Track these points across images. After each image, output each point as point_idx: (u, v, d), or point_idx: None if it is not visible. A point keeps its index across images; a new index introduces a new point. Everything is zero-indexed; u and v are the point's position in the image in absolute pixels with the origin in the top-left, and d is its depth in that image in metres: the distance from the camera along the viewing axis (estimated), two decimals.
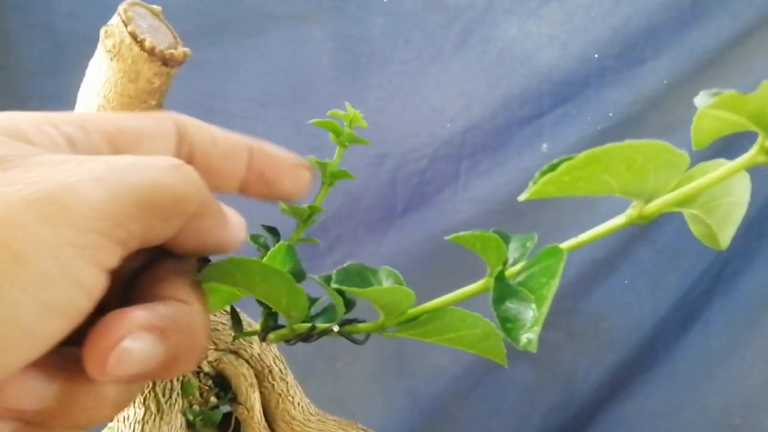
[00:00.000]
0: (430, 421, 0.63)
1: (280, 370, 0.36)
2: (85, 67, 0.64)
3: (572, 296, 0.61)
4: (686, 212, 0.25)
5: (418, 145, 0.64)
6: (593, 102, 0.63)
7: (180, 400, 0.34)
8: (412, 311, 0.28)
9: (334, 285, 0.28)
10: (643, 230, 0.62)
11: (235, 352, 0.36)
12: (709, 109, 0.21)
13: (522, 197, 0.22)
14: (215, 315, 0.36)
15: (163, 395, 0.33)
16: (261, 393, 0.36)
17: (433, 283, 0.70)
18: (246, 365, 0.36)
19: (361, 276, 0.28)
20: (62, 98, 0.63)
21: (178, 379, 0.34)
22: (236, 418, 0.36)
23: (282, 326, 0.31)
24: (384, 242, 0.67)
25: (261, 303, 0.32)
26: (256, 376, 0.36)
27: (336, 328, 0.29)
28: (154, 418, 0.33)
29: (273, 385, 0.36)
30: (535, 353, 0.67)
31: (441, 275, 0.66)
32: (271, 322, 0.31)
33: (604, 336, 0.60)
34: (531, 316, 0.23)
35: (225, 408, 0.36)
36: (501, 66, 0.64)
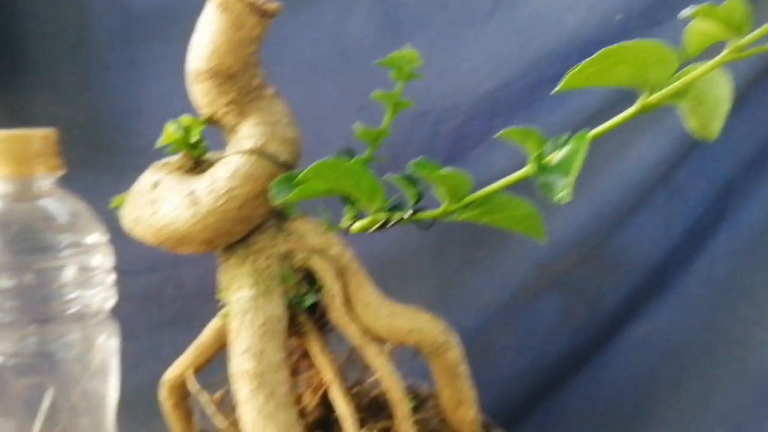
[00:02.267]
0: (473, 351, 0.72)
1: (356, 267, 0.46)
2: (155, 37, 0.74)
3: (598, 234, 0.70)
4: (682, 106, 0.33)
5: (456, 103, 0.73)
6: None
7: (279, 286, 0.43)
8: (469, 197, 0.37)
9: (408, 172, 0.37)
10: (659, 175, 0.71)
11: (320, 251, 0.45)
12: (693, 20, 0.30)
13: (555, 90, 0.31)
14: (303, 222, 0.46)
15: (269, 281, 0.43)
16: (341, 285, 0.45)
17: (470, 227, 0.78)
18: (329, 262, 0.45)
19: (430, 167, 0.37)
20: (137, 66, 0.73)
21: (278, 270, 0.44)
22: (322, 305, 0.46)
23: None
24: (426, 193, 0.77)
25: (345, 200, 0.41)
26: (337, 271, 0.45)
27: (408, 214, 0.39)
28: (262, 297, 0.42)
29: (350, 278, 0.45)
30: (565, 286, 0.77)
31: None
32: (354, 216, 0.41)
33: (624, 266, 0.69)
34: (563, 183, 0.32)
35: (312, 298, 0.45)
36: (530, 28, 0.72)
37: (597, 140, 0.70)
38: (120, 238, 0.71)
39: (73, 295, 0.44)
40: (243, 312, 0.42)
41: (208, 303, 0.61)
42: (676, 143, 0.70)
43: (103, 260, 0.48)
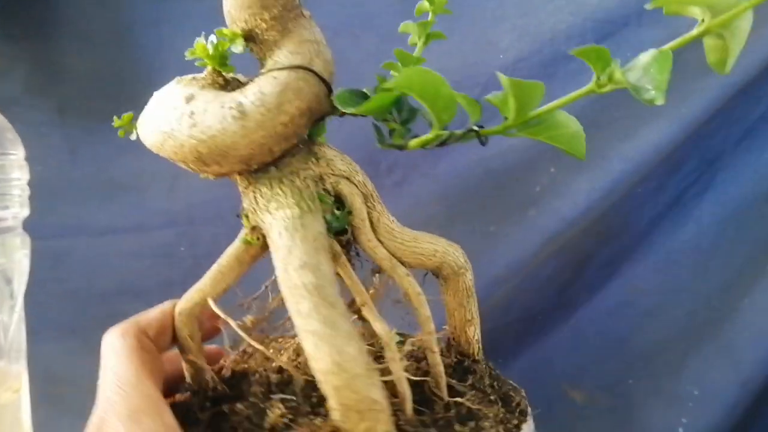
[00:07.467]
0: None
1: (377, 195, 0.44)
2: None
3: (603, 210, 0.71)
4: (711, 40, 0.33)
5: (474, 73, 0.72)
6: (631, 40, 0.72)
7: (320, 206, 0.41)
8: (533, 113, 0.36)
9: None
10: (661, 155, 0.71)
11: (347, 178, 0.43)
12: None
13: (648, 6, 0.31)
14: (330, 148, 0.44)
15: (311, 200, 0.41)
16: (367, 211, 0.44)
17: (481, 202, 0.77)
18: (356, 187, 0.43)
19: None
20: (163, 23, 0.71)
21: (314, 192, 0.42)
22: (348, 230, 0.44)
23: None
24: (438, 165, 0.75)
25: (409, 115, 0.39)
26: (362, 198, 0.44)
27: (469, 128, 0.37)
28: (308, 215, 0.40)
29: (374, 205, 0.44)
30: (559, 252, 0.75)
31: (489, 195, 0.74)
32: (408, 131, 0.39)
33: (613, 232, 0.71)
34: (652, 86, 0.31)
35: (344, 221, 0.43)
36: (549, 4, 0.72)
37: (608, 127, 0.70)
38: (136, 193, 0.68)
39: None
40: (293, 229, 0.39)
41: None
42: (679, 127, 0.70)
43: (20, 175, 0.48)
